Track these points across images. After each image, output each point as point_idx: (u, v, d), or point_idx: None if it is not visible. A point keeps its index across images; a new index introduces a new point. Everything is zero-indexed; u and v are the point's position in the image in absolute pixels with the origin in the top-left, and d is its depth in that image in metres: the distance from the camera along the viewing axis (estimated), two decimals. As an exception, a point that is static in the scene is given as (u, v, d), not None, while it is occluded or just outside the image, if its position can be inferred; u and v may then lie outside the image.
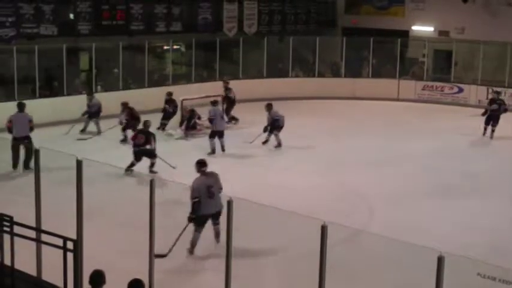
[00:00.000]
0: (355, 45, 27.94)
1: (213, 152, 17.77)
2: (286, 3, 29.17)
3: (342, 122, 22.55)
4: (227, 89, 22.14)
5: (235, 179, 15.19)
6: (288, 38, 27.32)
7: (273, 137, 18.87)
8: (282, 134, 18.79)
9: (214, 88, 22.62)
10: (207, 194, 10.71)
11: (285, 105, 22.04)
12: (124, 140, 18.76)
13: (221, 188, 10.92)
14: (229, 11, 26.83)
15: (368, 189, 14.98)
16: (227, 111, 21.46)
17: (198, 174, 11.12)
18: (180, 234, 10.60)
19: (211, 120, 18.35)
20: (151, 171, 15.25)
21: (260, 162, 17.56)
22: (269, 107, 19.08)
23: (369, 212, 13.63)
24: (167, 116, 20.63)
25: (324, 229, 6.59)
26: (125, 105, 19.50)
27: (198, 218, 10.74)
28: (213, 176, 11.05)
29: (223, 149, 17.97)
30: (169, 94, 20.91)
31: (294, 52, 27.36)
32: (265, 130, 18.88)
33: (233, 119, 21.68)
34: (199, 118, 20.16)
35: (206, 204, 10.71)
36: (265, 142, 18.92)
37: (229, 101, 21.91)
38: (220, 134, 18.11)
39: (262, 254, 11.03)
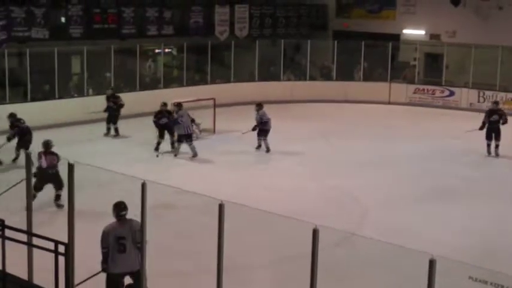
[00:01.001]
0: (346, 49, 28.02)
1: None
2: (277, 6, 29.21)
3: (333, 125, 22.60)
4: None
5: (226, 182, 15.27)
6: (279, 41, 27.37)
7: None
8: (273, 137, 18.81)
9: (206, 91, 22.65)
10: (117, 247, 8.58)
11: (277, 109, 22.10)
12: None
13: (139, 242, 8.27)
14: (221, 15, 26.85)
15: (359, 192, 15.01)
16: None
17: None
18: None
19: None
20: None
21: (251, 165, 17.62)
22: (259, 107, 19.09)
23: (361, 215, 13.66)
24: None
25: (315, 233, 6.60)
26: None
27: (108, 276, 8.64)
28: (130, 225, 8.70)
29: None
30: (164, 105, 19.36)
31: (285, 55, 27.41)
32: (254, 129, 18.86)
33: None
34: (193, 121, 20.11)
35: (115, 260, 8.58)
36: (258, 147, 18.92)
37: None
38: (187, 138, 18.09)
39: (253, 257, 11.04)
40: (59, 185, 13.11)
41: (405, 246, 7.36)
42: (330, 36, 30.48)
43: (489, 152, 18.70)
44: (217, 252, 7.49)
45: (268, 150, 18.75)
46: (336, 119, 23.81)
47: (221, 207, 7.38)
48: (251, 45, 27.15)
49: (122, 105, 20.29)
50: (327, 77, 28.55)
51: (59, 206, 13.03)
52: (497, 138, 18.67)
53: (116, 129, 20.32)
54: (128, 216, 8.71)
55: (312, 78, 28.09)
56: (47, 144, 13.63)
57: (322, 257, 6.71)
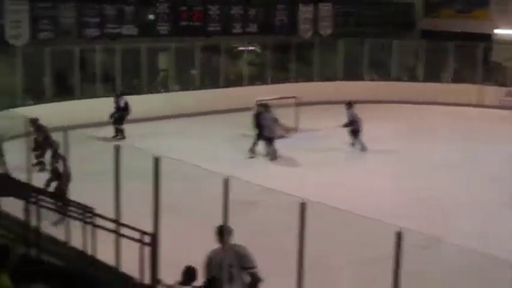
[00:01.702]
0: (434, 49, 27.34)
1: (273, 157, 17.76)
2: (362, 5, 28.91)
3: (418, 128, 22.20)
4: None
5: (309, 181, 15.30)
6: (363, 40, 27.10)
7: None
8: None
9: (289, 89, 22.70)
10: (223, 275, 7.79)
11: (360, 109, 21.87)
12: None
13: (250, 267, 8.03)
14: (305, 13, 26.85)
15: (443, 195, 14.77)
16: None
17: None
18: None
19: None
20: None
21: (333, 164, 17.55)
22: (349, 106, 19.19)
23: (444, 218, 13.41)
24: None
25: (398, 235, 6.55)
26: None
27: None
28: (235, 250, 8.07)
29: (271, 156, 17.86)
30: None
31: (369, 55, 27.13)
32: (344, 126, 18.98)
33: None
34: (275, 121, 20.18)
35: None
36: (351, 145, 19.10)
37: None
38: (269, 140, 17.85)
39: (334, 258, 11.02)
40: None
41: (490, 253, 7.23)
42: (418, 35, 29.82)
43: None
44: (298, 252, 7.52)
45: (363, 148, 18.77)
46: (422, 121, 23.38)
47: (303, 206, 7.41)
48: (335, 43, 27.02)
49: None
50: (413, 77, 28.00)
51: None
52: None
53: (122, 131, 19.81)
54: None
55: (397, 79, 27.63)
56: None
57: (404, 260, 6.65)
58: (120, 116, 19.59)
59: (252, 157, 17.92)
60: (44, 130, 15.29)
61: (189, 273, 7.31)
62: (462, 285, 9.91)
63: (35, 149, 14.72)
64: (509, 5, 28.01)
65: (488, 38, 27.92)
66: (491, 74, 27.56)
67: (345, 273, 10.59)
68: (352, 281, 10.28)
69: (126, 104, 19.73)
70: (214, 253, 7.93)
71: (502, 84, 26.80)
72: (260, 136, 17.96)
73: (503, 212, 13.90)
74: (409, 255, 6.72)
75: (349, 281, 10.30)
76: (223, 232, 7.73)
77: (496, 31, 28.17)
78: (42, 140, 15.24)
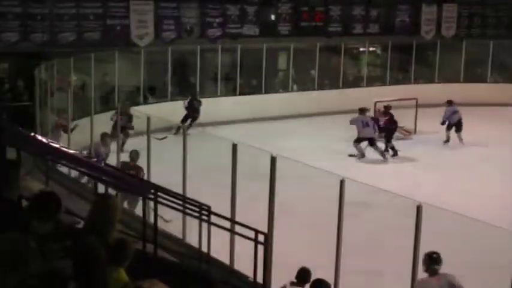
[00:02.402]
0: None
1: (362, 156, 17.93)
2: (487, 6, 27.99)
3: None
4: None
5: (424, 183, 15.00)
6: (488, 41, 26.22)
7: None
8: (475, 141, 18.21)
9: (409, 91, 22.33)
10: None
11: (482, 112, 21.30)
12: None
13: None
14: (428, 14, 26.31)
15: None
16: None
17: None
18: None
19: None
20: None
21: (449, 168, 17.11)
22: (448, 103, 19.74)
23: None
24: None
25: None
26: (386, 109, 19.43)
27: None
28: (447, 280, 7.78)
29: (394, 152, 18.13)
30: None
31: (493, 57, 26.22)
32: (442, 123, 19.53)
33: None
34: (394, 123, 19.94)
35: None
36: (446, 141, 19.22)
37: None
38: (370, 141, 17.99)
39: (447, 262, 10.77)
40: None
41: None
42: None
43: None
44: (412, 255, 7.44)
45: (460, 140, 19.31)
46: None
47: (419, 208, 7.32)
48: (457, 45, 26.30)
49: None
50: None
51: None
52: None
53: None
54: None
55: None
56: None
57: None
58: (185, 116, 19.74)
59: (352, 155, 18.18)
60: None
61: (304, 275, 7.37)
62: None
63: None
64: None
65: None
66: None
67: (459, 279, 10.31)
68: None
69: (190, 104, 19.93)
70: (425, 283, 7.65)
71: None
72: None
73: None
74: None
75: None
76: (434, 260, 7.66)
77: None
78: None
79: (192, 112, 19.88)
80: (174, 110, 19.32)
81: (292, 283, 7.40)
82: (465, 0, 27.48)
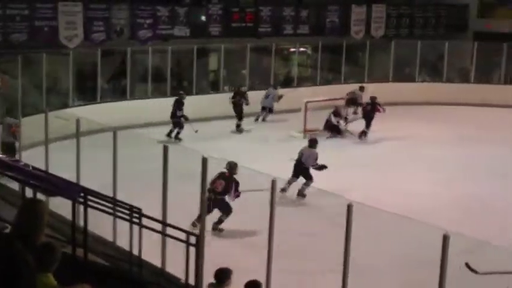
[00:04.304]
0: (486, 50, 26.97)
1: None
2: (415, 7, 28.65)
3: (470, 130, 21.83)
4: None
5: (356, 183, 15.19)
6: (416, 41, 26.82)
7: None
8: (406, 140, 18.57)
9: (339, 91, 22.62)
10: None
11: (411, 111, 21.73)
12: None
13: None
14: (357, 14, 26.71)
15: (494, 201, 14.49)
16: None
17: None
18: None
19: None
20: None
21: (383, 167, 17.38)
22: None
23: (496, 224, 13.17)
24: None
25: (445, 239, 6.49)
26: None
27: None
28: None
29: None
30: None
31: (421, 56, 26.85)
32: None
33: None
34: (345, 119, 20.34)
35: None
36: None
37: None
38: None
39: (379, 260, 10.94)
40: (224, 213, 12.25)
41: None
42: (470, 37, 29.41)
43: None
44: (344, 253, 7.51)
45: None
46: (473, 123, 23.00)
47: (349, 207, 7.40)
48: (387, 45, 26.81)
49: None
50: (464, 79, 27.65)
51: (216, 229, 12.03)
52: None
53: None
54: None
55: (449, 80, 27.30)
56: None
57: (451, 264, 6.58)
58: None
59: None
60: None
61: (220, 275, 7.28)
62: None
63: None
64: None
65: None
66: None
67: (390, 275, 10.49)
68: (397, 284, 10.18)
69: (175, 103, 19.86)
70: None
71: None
72: None
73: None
74: (455, 259, 6.64)
75: (393, 284, 10.20)
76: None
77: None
78: None
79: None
80: (105, 112, 19.03)
81: (210, 284, 7.35)
82: (393, 1, 28.04)
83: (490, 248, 10.47)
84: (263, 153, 18.16)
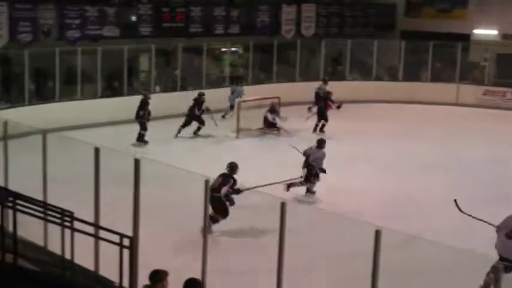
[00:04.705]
0: (414, 49, 27.66)
1: None
2: (344, 6, 29.06)
3: (398, 126, 22.33)
4: None
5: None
6: (346, 40, 27.22)
7: None
8: (337, 137, 18.86)
9: (271, 90, 22.73)
10: None
11: (342, 108, 22.00)
12: None
13: None
14: (287, 14, 26.90)
15: (423, 195, 14.83)
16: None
17: None
18: None
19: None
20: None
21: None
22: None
23: (423, 218, 13.48)
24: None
25: (377, 234, 6.59)
26: None
27: None
28: None
29: None
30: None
31: (351, 55, 27.27)
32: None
33: None
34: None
35: None
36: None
37: None
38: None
39: (313, 257, 11.05)
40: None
41: (469, 250, 7.27)
42: (398, 36, 30.06)
43: None
44: (278, 251, 7.55)
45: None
46: (402, 120, 23.52)
47: (283, 205, 7.44)
48: (317, 44, 27.10)
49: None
50: (393, 77, 28.25)
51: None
52: None
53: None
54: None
55: (378, 79, 27.83)
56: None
57: (382, 259, 6.69)
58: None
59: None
60: None
61: (154, 276, 7.20)
62: (441, 283, 9.97)
63: None
64: (486, 6, 28.34)
65: (467, 38, 28.29)
66: (468, 73, 27.96)
67: (324, 272, 10.62)
68: (331, 280, 10.30)
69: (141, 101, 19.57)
70: None
71: (480, 83, 27.23)
72: None
73: (483, 210, 13.96)
74: (385, 254, 6.76)
75: (327, 280, 10.33)
76: None
77: (475, 31, 28.57)
78: None
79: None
80: (32, 114, 18.64)
81: (145, 286, 7.28)
82: (323, 0, 28.36)
83: (420, 242, 10.73)
84: (199, 153, 18.12)
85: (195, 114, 20.04)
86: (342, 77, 27.32)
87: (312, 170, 14.73)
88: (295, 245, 8.18)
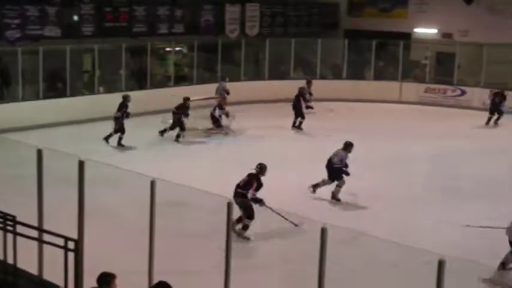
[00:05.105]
0: (357, 48, 28.03)
1: None
2: (288, 5, 29.23)
3: (342, 124, 22.53)
4: None
5: (235, 181, 15.28)
6: (289, 39, 27.37)
7: None
8: (282, 135, 18.96)
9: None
10: None
11: (286, 107, 22.12)
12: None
13: None
14: (232, 13, 26.90)
15: (368, 192, 14.99)
16: None
17: None
18: None
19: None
20: None
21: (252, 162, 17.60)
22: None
23: (369, 214, 13.66)
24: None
25: (323, 231, 6.64)
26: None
27: None
28: None
29: None
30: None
31: (296, 54, 27.43)
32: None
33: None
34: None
35: None
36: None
37: None
38: None
39: (261, 255, 11.08)
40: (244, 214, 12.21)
41: (414, 246, 7.38)
42: (341, 35, 30.41)
43: None
44: (225, 251, 7.54)
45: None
46: (346, 118, 23.77)
47: (229, 205, 7.44)
48: (261, 43, 27.18)
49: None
50: (337, 75, 28.53)
51: (241, 236, 11.87)
52: None
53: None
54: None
55: (322, 77, 28.06)
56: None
57: (330, 255, 6.74)
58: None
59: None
60: None
61: (101, 279, 7.12)
62: (388, 278, 10.10)
63: None
64: (426, 5, 28.93)
65: (408, 36, 28.83)
66: (410, 71, 28.50)
67: (272, 270, 10.65)
68: (279, 279, 10.34)
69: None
70: None
71: (421, 81, 27.77)
72: None
73: (426, 205, 14.24)
74: (332, 251, 6.83)
75: (275, 279, 10.36)
76: None
77: (416, 30, 29.14)
78: None
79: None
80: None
81: None
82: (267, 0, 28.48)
83: (364, 238, 10.88)
84: (140, 153, 17.98)
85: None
86: (286, 76, 27.41)
87: (336, 171, 14.73)
88: (243, 244, 8.20)
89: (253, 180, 12.41)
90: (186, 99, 20.00)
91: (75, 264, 7.15)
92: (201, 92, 22.29)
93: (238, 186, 12.35)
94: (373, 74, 27.96)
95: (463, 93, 26.66)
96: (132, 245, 10.38)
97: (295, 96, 22.12)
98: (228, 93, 22.97)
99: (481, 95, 25.87)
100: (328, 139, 19.21)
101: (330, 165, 14.87)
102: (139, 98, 20.90)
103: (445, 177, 16.38)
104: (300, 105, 21.83)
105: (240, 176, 13.12)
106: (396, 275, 10.10)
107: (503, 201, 14.53)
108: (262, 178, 12.51)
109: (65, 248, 7.15)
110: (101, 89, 23.27)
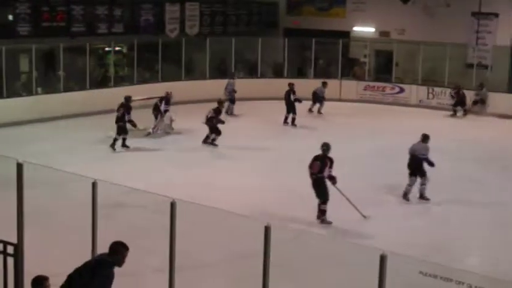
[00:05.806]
0: (297, 46, 28.24)
1: None
2: (228, 4, 29.26)
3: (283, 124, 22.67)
4: None
5: (179, 180, 15.22)
6: (230, 38, 27.39)
7: None
8: (223, 135, 18.98)
9: (157, 89, 22.55)
10: None
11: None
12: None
13: None
14: (171, 12, 26.76)
15: (310, 190, 15.09)
16: None
17: None
18: None
19: None
20: None
21: (202, 163, 17.58)
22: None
23: (312, 213, 13.74)
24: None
25: (267, 230, 6.67)
26: None
27: None
28: None
29: None
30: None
31: (236, 53, 27.46)
32: None
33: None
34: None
35: None
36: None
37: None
38: None
39: (205, 256, 11.05)
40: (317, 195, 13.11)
41: (356, 242, 7.48)
42: (281, 34, 30.62)
43: None
44: (169, 251, 7.50)
45: None
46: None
47: (173, 205, 7.40)
48: (202, 43, 27.13)
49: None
50: (278, 74, 28.68)
51: (323, 221, 12.93)
52: None
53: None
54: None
55: (263, 76, 28.18)
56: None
57: (274, 254, 6.77)
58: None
59: None
60: None
61: (34, 283, 7.00)
62: (332, 275, 10.20)
63: None
64: (363, 4, 29.40)
65: (347, 35, 29.22)
66: (350, 69, 28.94)
67: (217, 270, 10.64)
68: (224, 278, 10.34)
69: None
70: None
71: (360, 79, 28.22)
72: None
73: (368, 203, 14.43)
74: (277, 249, 6.86)
75: (220, 278, 10.35)
76: None
77: (354, 28, 29.57)
78: None
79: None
80: None
81: None
82: (207, -2, 28.46)
83: (308, 236, 10.96)
84: (80, 154, 17.74)
85: (121, 120, 18.53)
86: (227, 75, 27.41)
87: (420, 167, 14.76)
88: (185, 244, 8.16)
89: (326, 160, 13.22)
90: (128, 98, 19.65)
91: (14, 269, 7.01)
92: (142, 92, 22.10)
93: (313, 173, 13.10)
94: (314, 72, 28.18)
95: (402, 90, 27.15)
96: (74, 248, 10.21)
97: (286, 91, 22.57)
98: (235, 91, 23.73)
99: (419, 92, 26.44)
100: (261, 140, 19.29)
101: (414, 159, 14.89)
102: (78, 99, 20.62)
103: (384, 175, 16.57)
104: (290, 100, 22.28)
105: (171, 175, 13.06)
106: (340, 271, 10.19)
107: (443, 197, 14.83)
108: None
109: (4, 253, 7.00)
110: (39, 90, 22.83)
